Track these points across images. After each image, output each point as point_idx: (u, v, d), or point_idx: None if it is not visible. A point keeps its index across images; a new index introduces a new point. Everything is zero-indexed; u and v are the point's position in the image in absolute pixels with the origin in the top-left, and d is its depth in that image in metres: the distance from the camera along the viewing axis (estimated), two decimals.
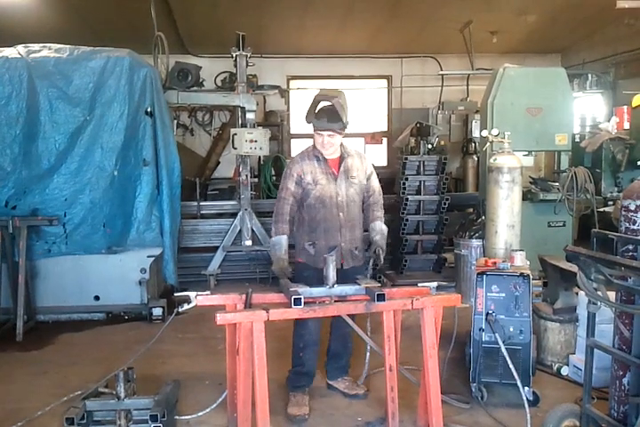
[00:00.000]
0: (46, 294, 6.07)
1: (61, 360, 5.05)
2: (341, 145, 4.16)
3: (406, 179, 7.25)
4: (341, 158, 4.14)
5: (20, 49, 6.08)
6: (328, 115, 3.96)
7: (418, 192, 7.34)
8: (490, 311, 4.09)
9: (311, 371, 4.23)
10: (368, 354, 4.16)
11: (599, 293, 2.90)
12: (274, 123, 11.14)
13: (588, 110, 9.98)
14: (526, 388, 3.91)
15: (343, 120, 3.97)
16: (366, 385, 4.35)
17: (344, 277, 3.78)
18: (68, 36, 7.07)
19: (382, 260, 4.09)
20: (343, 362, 4.38)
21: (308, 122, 4.06)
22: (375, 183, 4.29)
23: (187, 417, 3.94)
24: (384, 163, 12.33)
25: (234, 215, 7.62)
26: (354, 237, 4.16)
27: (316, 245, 4.08)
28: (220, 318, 3.12)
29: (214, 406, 3.96)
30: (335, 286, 3.51)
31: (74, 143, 6.01)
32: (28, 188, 5.96)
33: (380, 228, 4.21)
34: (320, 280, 3.67)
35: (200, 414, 3.96)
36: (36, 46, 6.15)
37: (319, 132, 4.01)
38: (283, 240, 4.05)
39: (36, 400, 4.15)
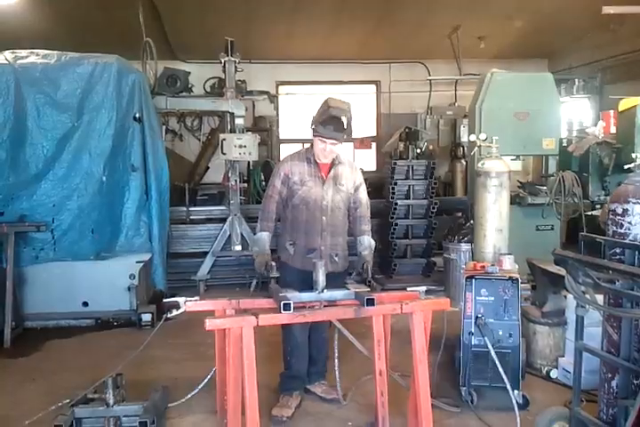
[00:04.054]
0: (34, 300, 6.01)
1: (50, 367, 5.01)
2: None
3: (395, 183, 7.28)
4: (332, 165, 4.14)
5: (7, 55, 6.05)
6: (335, 124, 3.94)
7: (407, 196, 7.36)
8: (479, 315, 4.11)
9: (300, 374, 4.25)
10: (337, 361, 4.04)
11: (587, 296, 2.91)
12: (263, 128, 11.13)
13: (575, 115, 10.05)
14: (516, 391, 3.92)
15: (349, 132, 4.00)
16: (355, 390, 4.34)
17: None
18: (55, 41, 7.03)
19: (370, 274, 3.93)
20: (319, 367, 4.38)
21: (313, 127, 4.03)
22: (363, 195, 4.26)
23: (175, 403, 4.05)
24: (373, 168, 12.36)
25: (223, 220, 7.60)
26: (335, 243, 4.14)
27: (296, 245, 4.10)
28: (209, 324, 3.10)
29: (200, 387, 4.01)
30: (324, 290, 3.51)
31: (62, 149, 5.99)
32: (16, 194, 5.92)
33: (367, 242, 4.16)
34: (302, 279, 3.72)
35: (189, 396, 4.08)
36: (23, 52, 6.13)
37: (323, 139, 3.99)
38: (265, 236, 4.07)
39: (25, 408, 4.11)
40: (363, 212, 4.24)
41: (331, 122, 3.94)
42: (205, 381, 4.04)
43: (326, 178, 4.10)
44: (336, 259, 4.14)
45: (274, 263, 3.87)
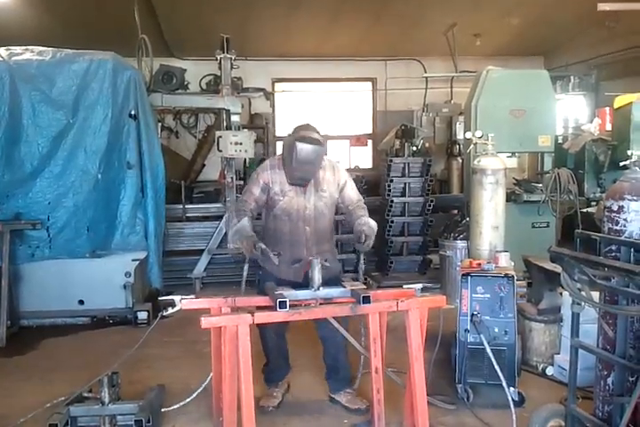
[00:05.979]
0: (30, 298, 6.00)
1: (45, 365, 5.01)
2: None
3: (391, 181, 7.28)
4: None
5: (2, 52, 6.02)
6: (307, 168, 3.81)
7: (403, 194, 7.37)
8: (475, 312, 4.11)
9: (277, 367, 4.29)
10: (362, 359, 4.02)
11: (583, 293, 2.91)
12: (259, 125, 11.14)
13: (571, 112, 10.05)
14: (511, 388, 3.93)
15: (319, 168, 3.90)
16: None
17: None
18: (50, 38, 6.98)
19: (371, 243, 3.80)
20: (341, 375, 4.23)
21: (285, 168, 3.90)
22: (352, 193, 4.10)
23: (170, 408, 4.02)
24: (369, 165, 12.36)
25: (219, 218, 7.60)
26: (321, 251, 3.97)
27: (281, 255, 3.85)
28: (205, 322, 3.10)
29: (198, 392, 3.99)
30: (320, 288, 3.51)
31: (57, 147, 5.97)
32: (11, 192, 5.90)
33: (366, 220, 3.90)
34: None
35: (186, 400, 4.04)
36: (18, 49, 6.10)
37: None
38: (246, 222, 3.79)
39: (20, 406, 4.08)
40: (355, 204, 4.08)
41: (302, 168, 3.79)
42: (203, 386, 4.00)
43: (307, 186, 3.94)
44: (327, 264, 3.82)
45: (263, 246, 3.69)
